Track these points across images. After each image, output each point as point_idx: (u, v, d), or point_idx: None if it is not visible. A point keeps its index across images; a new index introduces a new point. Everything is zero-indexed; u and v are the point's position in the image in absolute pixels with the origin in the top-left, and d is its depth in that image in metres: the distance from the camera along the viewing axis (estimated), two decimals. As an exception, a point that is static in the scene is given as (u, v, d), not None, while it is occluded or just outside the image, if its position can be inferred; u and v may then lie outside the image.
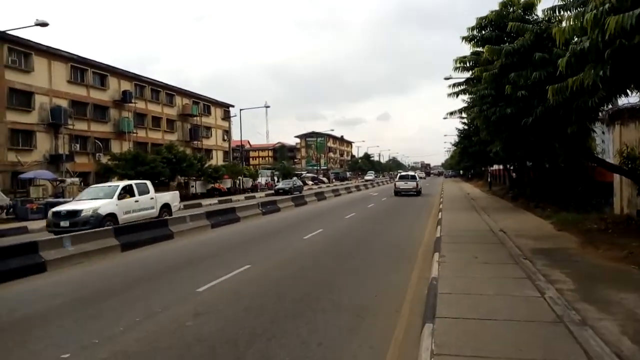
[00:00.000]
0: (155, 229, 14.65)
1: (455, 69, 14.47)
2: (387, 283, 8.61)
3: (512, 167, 34.25)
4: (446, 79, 28.07)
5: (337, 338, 5.80)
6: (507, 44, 11.21)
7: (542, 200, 21.09)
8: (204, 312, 7.01)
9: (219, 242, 14.38)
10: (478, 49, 13.02)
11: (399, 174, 45.15)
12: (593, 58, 5.95)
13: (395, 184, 39.27)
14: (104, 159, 37.66)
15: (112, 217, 16.13)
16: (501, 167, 40.20)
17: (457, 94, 14.91)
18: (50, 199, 26.37)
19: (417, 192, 36.94)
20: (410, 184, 37.34)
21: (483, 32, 12.75)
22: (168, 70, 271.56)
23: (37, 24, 21.48)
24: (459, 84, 15.28)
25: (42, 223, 20.52)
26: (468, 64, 13.14)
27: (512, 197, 27.08)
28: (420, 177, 58.08)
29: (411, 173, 46.15)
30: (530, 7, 13.01)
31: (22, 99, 33.53)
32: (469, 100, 17.52)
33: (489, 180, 45.93)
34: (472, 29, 12.69)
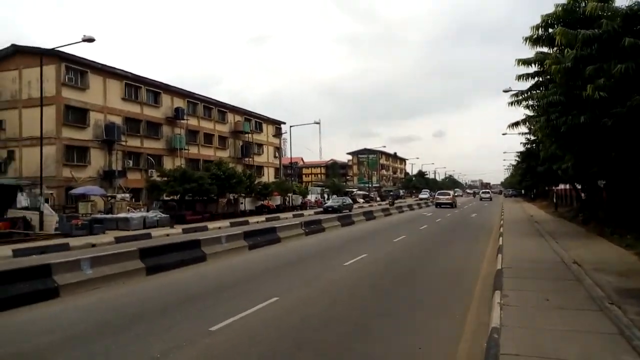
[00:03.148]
0: (186, 250, 13.70)
1: (519, 77, 12.68)
2: (434, 330, 7.05)
3: (581, 187, 31.24)
4: (505, 91, 26.06)
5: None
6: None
7: (619, 226, 18.55)
8: (207, 363, 5.78)
9: (252, 267, 13.22)
10: (543, 50, 11.22)
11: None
12: None
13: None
14: (155, 176, 37.93)
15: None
16: (568, 186, 37.04)
17: (519, 102, 13.09)
18: (97, 215, 26.47)
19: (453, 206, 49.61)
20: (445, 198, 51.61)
21: (550, 30, 10.98)
22: (228, 91, 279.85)
23: (83, 40, 21.64)
24: (522, 92, 13.46)
25: (85, 240, 20.31)
26: (532, 66, 11.35)
27: (583, 221, 24.37)
28: (486, 197, 77.65)
29: (452, 192, 63.23)
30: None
31: (78, 115, 34.42)
32: (532, 110, 15.64)
33: (554, 200, 42.54)
34: (537, 27, 10.94)
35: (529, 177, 43.77)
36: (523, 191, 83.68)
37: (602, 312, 6.99)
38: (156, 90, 42.07)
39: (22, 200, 24.37)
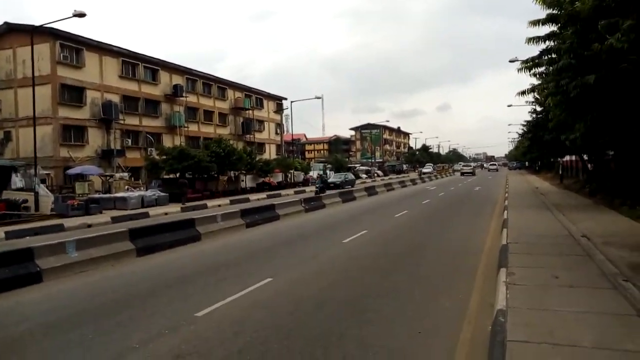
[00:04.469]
0: (180, 230, 13.23)
1: (529, 40, 11.78)
2: (436, 312, 6.58)
3: (588, 158, 30.53)
4: (511, 61, 25.26)
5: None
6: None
7: (629, 197, 17.96)
8: (188, 353, 5.34)
9: (247, 246, 12.78)
10: (554, 12, 10.39)
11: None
12: None
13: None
14: (155, 154, 37.36)
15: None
16: (574, 157, 36.30)
17: (529, 68, 12.34)
18: (94, 195, 26.05)
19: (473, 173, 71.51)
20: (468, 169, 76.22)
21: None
22: (231, 68, 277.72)
23: (74, 15, 20.84)
24: (532, 58, 12.68)
25: (80, 220, 19.90)
26: (544, 26, 10.53)
27: (590, 192, 23.81)
28: (493, 168, 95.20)
29: (473, 164, 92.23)
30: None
31: (74, 94, 33.75)
32: (541, 78, 14.85)
33: (560, 172, 41.86)
34: (549, -15, 10.09)
35: (535, 148, 42.96)
36: (527, 163, 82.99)
37: (616, 291, 6.48)
38: (154, 67, 41.20)
39: (17, 181, 23.93)
